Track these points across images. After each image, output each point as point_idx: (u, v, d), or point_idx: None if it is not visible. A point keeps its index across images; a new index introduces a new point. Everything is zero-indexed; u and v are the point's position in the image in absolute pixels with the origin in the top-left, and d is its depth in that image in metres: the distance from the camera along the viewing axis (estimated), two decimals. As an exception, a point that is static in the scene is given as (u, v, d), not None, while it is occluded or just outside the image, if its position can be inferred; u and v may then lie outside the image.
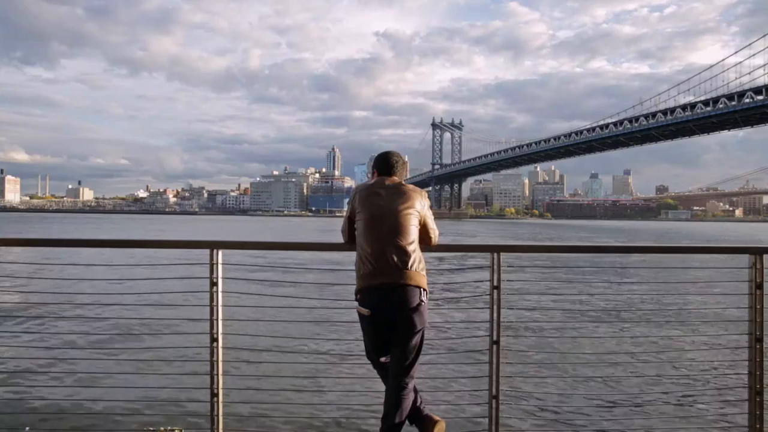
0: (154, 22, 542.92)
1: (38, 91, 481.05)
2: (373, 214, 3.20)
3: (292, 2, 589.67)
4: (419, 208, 3.27)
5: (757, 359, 3.40)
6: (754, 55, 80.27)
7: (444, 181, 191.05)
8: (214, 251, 3.35)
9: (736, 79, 79.90)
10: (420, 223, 3.28)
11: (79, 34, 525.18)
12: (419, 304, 3.10)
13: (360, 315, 3.19)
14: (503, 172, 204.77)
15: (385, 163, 3.39)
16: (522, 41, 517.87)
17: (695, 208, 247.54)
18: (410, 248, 3.15)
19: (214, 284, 3.33)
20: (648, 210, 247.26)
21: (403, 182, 3.40)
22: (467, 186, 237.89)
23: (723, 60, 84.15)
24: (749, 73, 78.55)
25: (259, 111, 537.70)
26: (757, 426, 3.39)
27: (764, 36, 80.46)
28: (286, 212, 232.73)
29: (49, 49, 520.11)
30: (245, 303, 3.85)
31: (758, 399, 3.38)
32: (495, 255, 3.38)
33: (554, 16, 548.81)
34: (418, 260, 3.17)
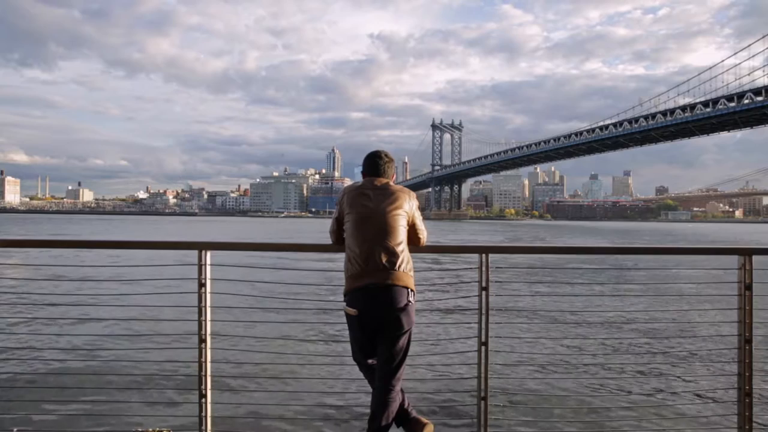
0: (150, 24, 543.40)
1: (36, 93, 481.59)
2: (361, 215, 3.19)
3: (287, 4, 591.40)
4: (407, 209, 3.26)
5: (746, 360, 3.38)
6: (753, 56, 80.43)
7: (444, 182, 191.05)
8: (203, 252, 3.34)
9: (736, 80, 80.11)
10: (408, 224, 3.28)
11: (76, 36, 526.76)
12: (407, 305, 3.10)
13: (347, 316, 3.18)
14: (503, 173, 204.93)
15: (372, 164, 3.38)
16: (516, 43, 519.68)
17: (695, 209, 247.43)
18: (398, 249, 3.15)
19: (202, 285, 3.32)
20: (648, 211, 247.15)
21: (392, 183, 3.39)
22: (467, 187, 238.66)
23: (722, 61, 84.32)
24: (749, 74, 78.73)
25: (256, 112, 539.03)
26: (747, 427, 3.38)
27: (763, 38, 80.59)
28: (285, 213, 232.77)
29: (47, 50, 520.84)
30: (234, 304, 3.84)
31: (747, 400, 3.37)
32: (483, 256, 3.37)
33: (548, 18, 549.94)
34: (406, 261, 3.17)
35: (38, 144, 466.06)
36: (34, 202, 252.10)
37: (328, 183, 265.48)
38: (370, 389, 3.28)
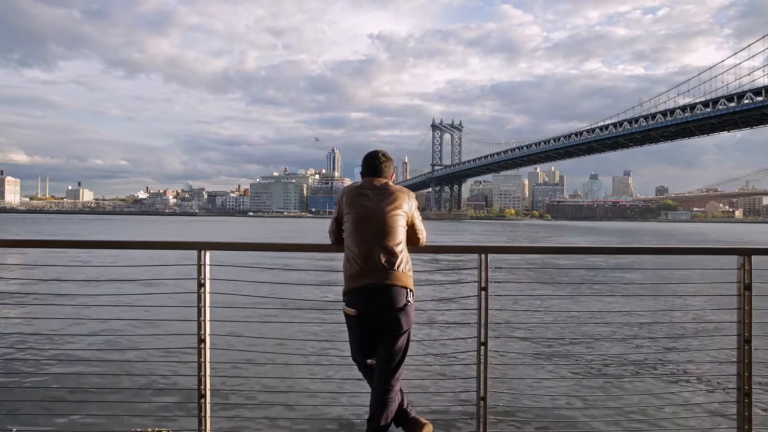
0: (150, 24, 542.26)
1: (36, 93, 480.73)
2: (360, 215, 3.19)
3: (287, 4, 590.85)
4: (407, 209, 3.26)
5: (746, 360, 3.38)
6: (753, 56, 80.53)
7: (444, 182, 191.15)
8: (202, 252, 3.34)
9: (736, 80, 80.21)
10: (408, 224, 3.28)
11: (76, 36, 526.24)
12: (406, 305, 3.10)
13: (346, 316, 3.18)
14: (503, 173, 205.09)
15: (370, 164, 3.38)
16: (516, 43, 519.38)
17: (695, 209, 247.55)
18: (398, 249, 3.15)
19: (201, 285, 3.32)
20: (648, 211, 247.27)
21: (391, 183, 3.39)
22: (467, 187, 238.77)
23: (722, 62, 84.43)
24: (749, 74, 78.81)
25: (256, 112, 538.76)
26: (746, 427, 3.38)
27: (763, 38, 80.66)
28: (285, 213, 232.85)
29: (47, 50, 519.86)
30: (233, 304, 3.84)
31: (746, 400, 3.37)
32: (482, 256, 3.37)
33: (547, 18, 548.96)
34: (405, 261, 3.17)
35: (38, 144, 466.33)
36: (34, 202, 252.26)
37: (328, 183, 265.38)
38: (369, 389, 3.28)
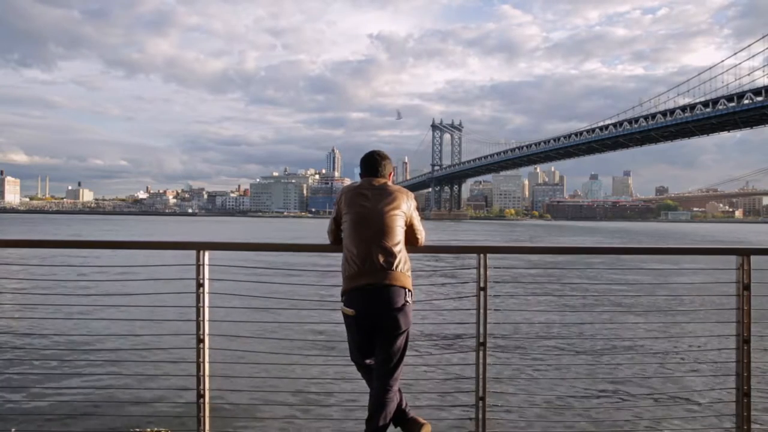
0: (150, 24, 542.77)
1: (36, 93, 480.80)
2: (359, 215, 3.19)
3: (286, 4, 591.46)
4: (405, 209, 3.26)
5: (745, 360, 3.38)
6: (752, 56, 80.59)
7: (444, 182, 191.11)
8: (201, 252, 3.34)
9: (735, 80, 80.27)
10: (406, 224, 3.27)
11: (75, 36, 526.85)
12: (404, 305, 3.09)
13: (345, 316, 3.18)
14: (503, 173, 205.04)
15: (368, 164, 3.37)
16: (515, 43, 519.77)
17: (695, 209, 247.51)
18: (396, 249, 3.14)
19: (200, 285, 3.32)
20: (648, 211, 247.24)
21: (389, 183, 3.38)
22: (467, 187, 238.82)
23: (722, 62, 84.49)
24: (748, 74, 78.86)
25: (256, 112, 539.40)
26: (745, 427, 3.38)
27: (762, 38, 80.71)
28: (285, 213, 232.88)
29: (46, 50, 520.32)
30: (232, 304, 3.84)
31: (745, 401, 3.36)
32: (482, 256, 3.37)
33: (547, 18, 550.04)
34: (403, 261, 3.16)
35: (38, 144, 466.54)
36: (34, 202, 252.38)
37: (328, 183, 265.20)
38: (368, 389, 3.27)
